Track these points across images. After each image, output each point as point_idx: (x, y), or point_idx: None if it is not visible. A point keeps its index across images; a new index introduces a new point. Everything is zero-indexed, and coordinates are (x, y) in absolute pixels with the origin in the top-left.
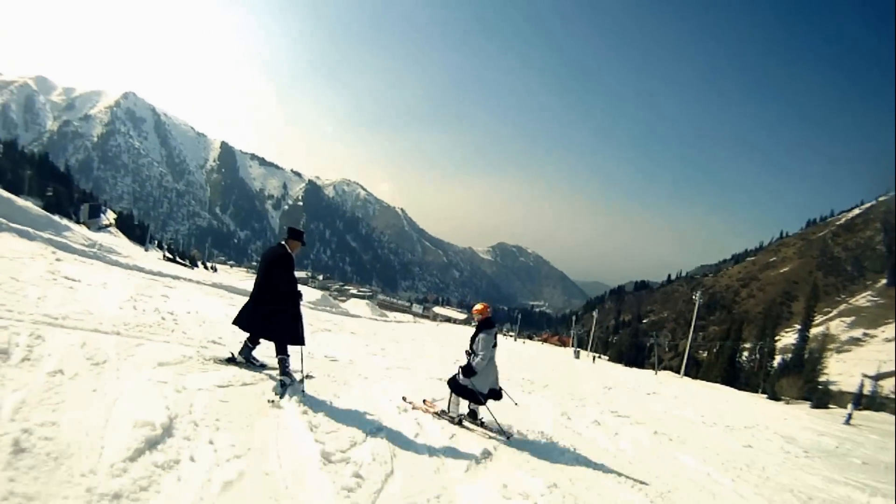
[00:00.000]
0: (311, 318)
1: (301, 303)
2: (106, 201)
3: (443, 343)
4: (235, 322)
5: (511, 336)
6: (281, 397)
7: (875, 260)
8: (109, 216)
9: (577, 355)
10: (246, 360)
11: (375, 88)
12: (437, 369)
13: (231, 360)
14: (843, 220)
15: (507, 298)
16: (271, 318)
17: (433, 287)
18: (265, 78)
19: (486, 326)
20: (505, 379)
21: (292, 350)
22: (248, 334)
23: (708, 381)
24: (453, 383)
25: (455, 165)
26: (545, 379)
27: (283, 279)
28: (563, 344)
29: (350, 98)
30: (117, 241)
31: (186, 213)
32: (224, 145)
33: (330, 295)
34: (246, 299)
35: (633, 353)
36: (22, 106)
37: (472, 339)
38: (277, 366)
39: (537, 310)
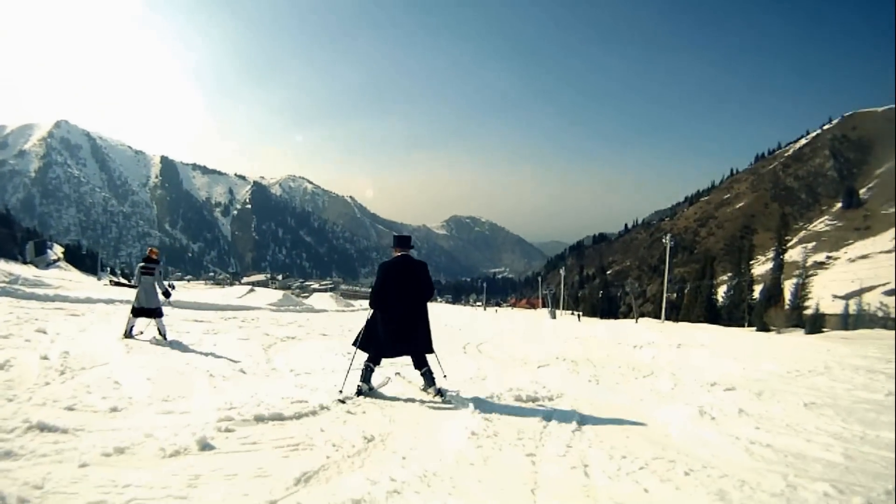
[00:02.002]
0: (272, 325)
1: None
2: (52, 236)
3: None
4: (396, 349)
5: (479, 305)
6: (438, 395)
7: (828, 185)
8: (57, 251)
9: (553, 315)
10: (370, 387)
11: (309, 82)
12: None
13: (360, 393)
14: (791, 150)
15: (467, 269)
16: (422, 330)
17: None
18: (195, 86)
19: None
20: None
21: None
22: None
23: (689, 321)
24: None
25: (399, 146)
26: (566, 352)
27: (430, 285)
28: (533, 306)
29: (286, 94)
30: (67, 275)
31: (136, 234)
32: (164, 159)
33: (292, 293)
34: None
35: (606, 305)
36: None
37: None
38: (425, 379)
39: (499, 276)
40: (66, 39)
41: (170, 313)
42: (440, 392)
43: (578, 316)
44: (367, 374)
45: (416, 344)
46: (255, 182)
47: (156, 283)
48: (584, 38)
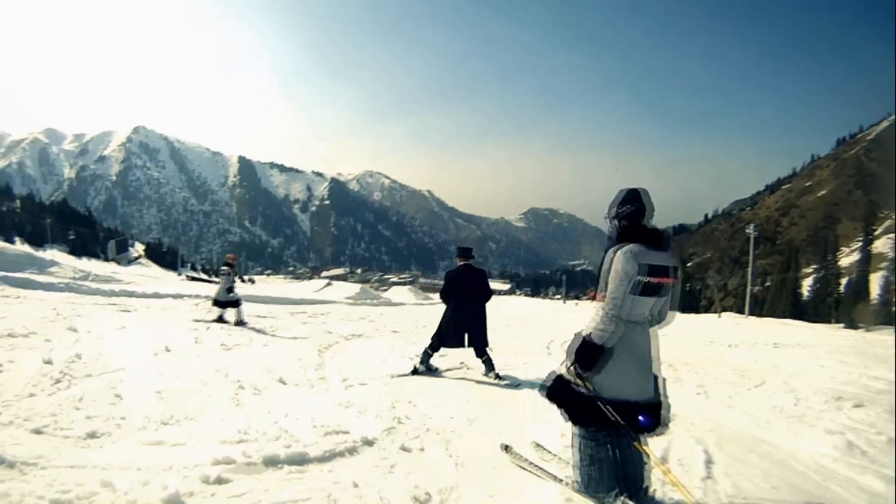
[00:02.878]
0: (341, 321)
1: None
2: (133, 234)
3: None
4: (456, 341)
5: (558, 298)
6: (497, 377)
7: None
8: (139, 248)
9: None
10: (427, 367)
11: (383, 77)
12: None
13: (416, 372)
14: (874, 134)
15: (546, 262)
16: (480, 327)
17: (472, 262)
18: (272, 87)
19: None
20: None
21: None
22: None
23: (774, 317)
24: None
25: (476, 139)
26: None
27: (489, 291)
28: None
29: (360, 91)
30: (146, 271)
31: (217, 231)
32: (242, 159)
33: (371, 286)
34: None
35: (687, 298)
36: (36, 160)
37: None
38: (486, 365)
39: (579, 269)
40: (142, 48)
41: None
42: (499, 376)
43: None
44: (425, 358)
45: (473, 338)
46: (332, 178)
47: (227, 282)
48: (657, 21)
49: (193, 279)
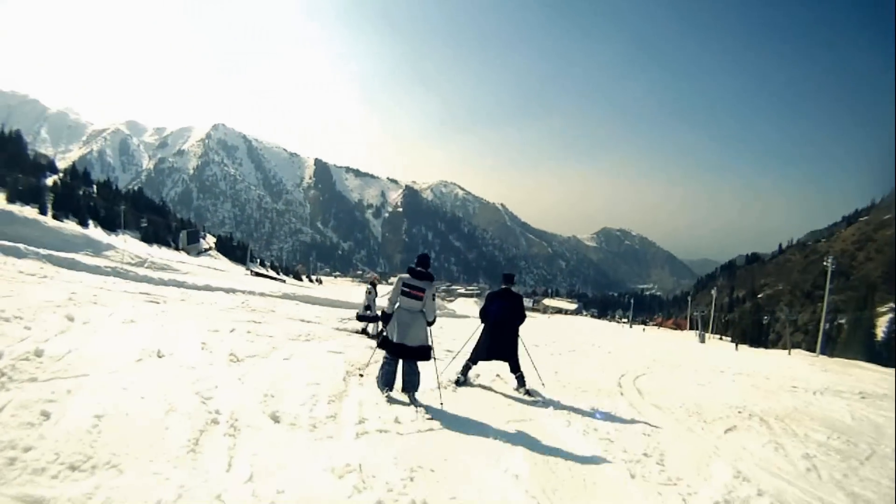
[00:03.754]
0: None
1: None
2: (205, 227)
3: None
4: (488, 356)
5: (625, 322)
6: (527, 394)
7: None
8: (210, 240)
9: (702, 339)
10: (465, 378)
11: (463, 89)
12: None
13: (457, 383)
14: None
15: (615, 284)
16: (513, 345)
17: (540, 279)
18: (352, 92)
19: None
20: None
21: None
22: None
23: (847, 357)
24: None
25: (551, 156)
26: (745, 400)
27: (523, 314)
28: (679, 327)
29: (439, 101)
30: (214, 262)
31: (289, 230)
32: (318, 162)
33: (438, 296)
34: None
35: (756, 332)
36: (117, 150)
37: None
38: (513, 371)
39: (647, 293)
40: (226, 49)
41: (280, 309)
42: (529, 392)
43: (736, 345)
44: (465, 370)
45: (507, 355)
46: (406, 186)
47: (371, 300)
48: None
49: (258, 274)
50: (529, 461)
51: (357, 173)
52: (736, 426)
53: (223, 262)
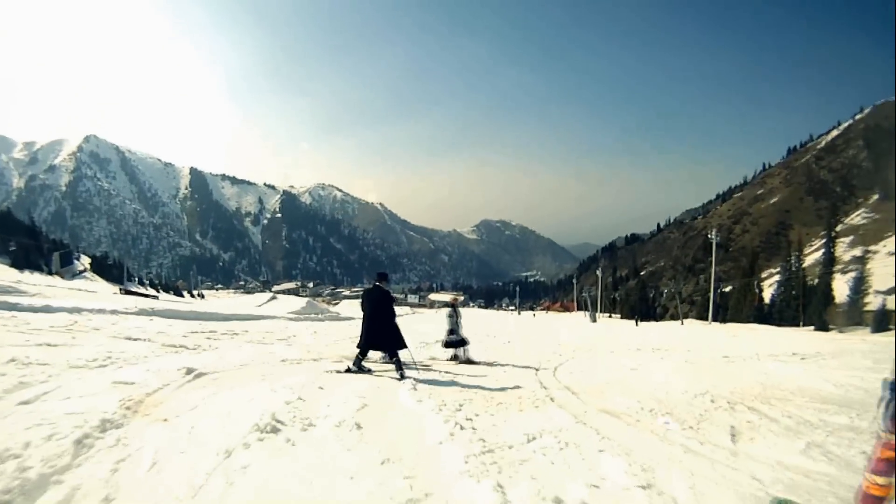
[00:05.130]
0: (248, 343)
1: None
2: (78, 247)
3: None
4: (368, 346)
5: (513, 310)
6: (402, 379)
7: (863, 177)
8: (84, 261)
9: (593, 318)
10: (359, 368)
11: (337, 89)
12: None
13: (349, 371)
14: (823, 142)
15: (498, 274)
16: (389, 335)
17: (424, 275)
18: (222, 97)
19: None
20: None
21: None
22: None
23: (738, 322)
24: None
25: (427, 152)
26: (691, 382)
27: (391, 309)
28: (567, 310)
29: (314, 103)
30: (86, 284)
31: (167, 245)
32: (193, 171)
33: (323, 300)
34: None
35: (644, 308)
36: None
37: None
38: (390, 359)
39: (531, 280)
40: (92, 56)
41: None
42: (403, 376)
43: (636, 320)
44: (357, 361)
45: (384, 344)
46: (284, 191)
47: (455, 323)
48: (608, 36)
49: (128, 292)
50: None
51: (234, 181)
52: (735, 428)
53: (99, 283)
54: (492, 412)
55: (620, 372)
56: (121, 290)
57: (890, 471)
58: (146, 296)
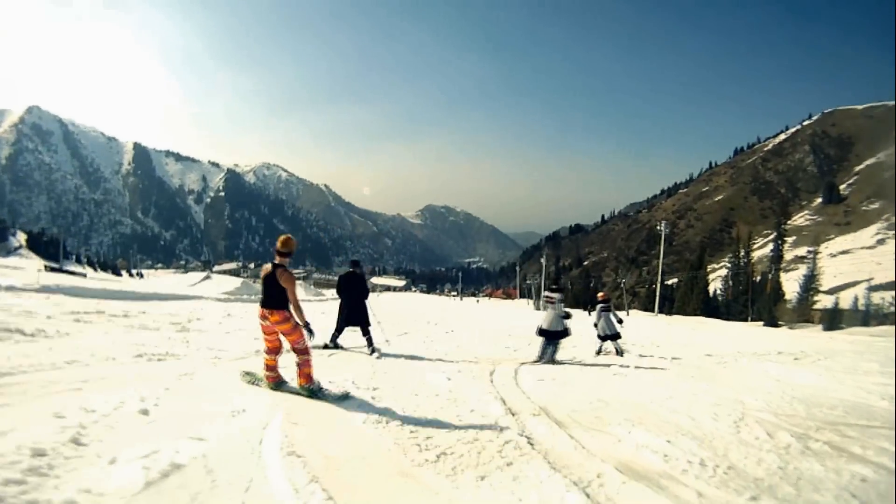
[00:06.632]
0: (141, 331)
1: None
2: (17, 223)
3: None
4: (346, 324)
5: (455, 295)
6: (373, 353)
7: (808, 180)
8: (21, 238)
9: (537, 307)
10: (335, 344)
11: (284, 69)
12: None
13: (326, 347)
14: (771, 145)
15: (442, 259)
16: (362, 314)
17: (367, 258)
18: (168, 72)
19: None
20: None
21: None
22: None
23: (685, 315)
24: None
25: (375, 136)
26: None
27: (366, 290)
28: (509, 297)
29: (260, 81)
30: (15, 262)
31: (108, 222)
32: (137, 146)
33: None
34: None
35: (587, 297)
36: None
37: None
38: (364, 335)
39: (474, 266)
40: (37, 23)
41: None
42: (375, 351)
43: (589, 310)
44: (334, 337)
45: (358, 322)
46: (228, 169)
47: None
48: (562, 30)
49: (54, 270)
50: None
51: (178, 157)
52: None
53: (33, 260)
54: (423, 476)
55: (601, 377)
56: (46, 267)
57: None
58: (73, 273)
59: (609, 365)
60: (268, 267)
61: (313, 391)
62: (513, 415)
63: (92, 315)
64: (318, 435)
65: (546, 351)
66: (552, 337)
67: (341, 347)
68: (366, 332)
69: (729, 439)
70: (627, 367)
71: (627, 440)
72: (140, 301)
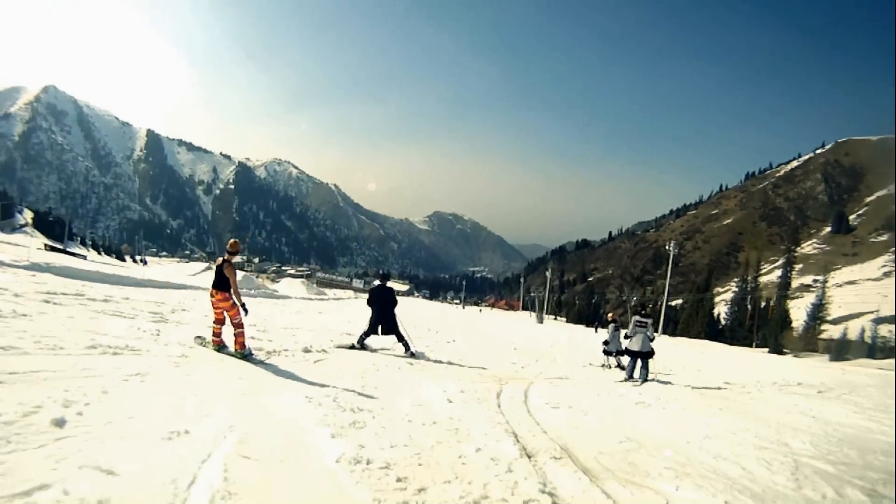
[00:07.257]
0: (135, 317)
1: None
2: (25, 200)
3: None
4: (375, 330)
5: (457, 304)
6: (412, 355)
7: (818, 209)
8: (27, 216)
9: (539, 320)
10: (361, 345)
11: (302, 65)
12: None
13: (353, 347)
14: (783, 171)
15: (447, 266)
16: (393, 322)
17: (372, 261)
18: (186, 61)
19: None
20: None
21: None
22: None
23: (688, 337)
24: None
25: (386, 137)
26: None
27: (395, 300)
28: (512, 308)
29: (277, 76)
30: (23, 239)
31: (116, 206)
32: (150, 133)
33: (268, 277)
34: None
35: (591, 313)
36: None
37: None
38: (398, 341)
39: (478, 275)
40: (58, 1)
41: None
42: (413, 354)
43: (596, 328)
44: (362, 339)
45: (390, 329)
46: (239, 162)
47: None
48: (579, 41)
49: (54, 249)
50: None
51: (190, 147)
52: None
53: (37, 239)
54: None
55: (622, 405)
56: (46, 246)
57: None
58: (73, 255)
59: (623, 386)
60: (220, 260)
61: (245, 355)
62: (529, 457)
63: (68, 297)
64: (274, 477)
65: (640, 371)
66: (645, 357)
67: (368, 348)
68: (400, 338)
69: (793, 498)
70: (643, 392)
71: (676, 500)
72: (130, 287)
